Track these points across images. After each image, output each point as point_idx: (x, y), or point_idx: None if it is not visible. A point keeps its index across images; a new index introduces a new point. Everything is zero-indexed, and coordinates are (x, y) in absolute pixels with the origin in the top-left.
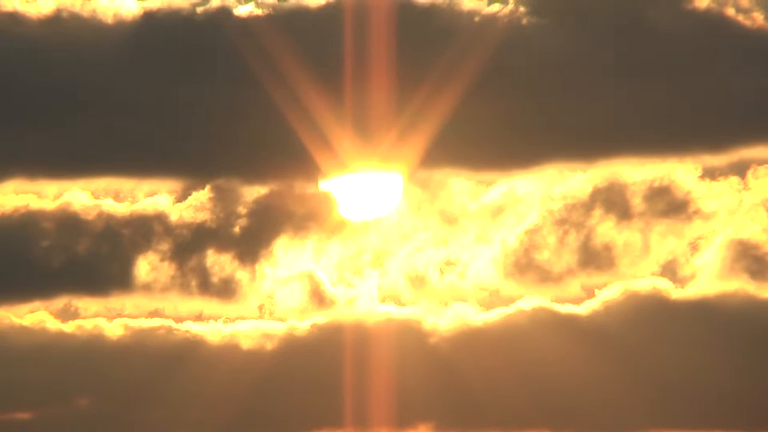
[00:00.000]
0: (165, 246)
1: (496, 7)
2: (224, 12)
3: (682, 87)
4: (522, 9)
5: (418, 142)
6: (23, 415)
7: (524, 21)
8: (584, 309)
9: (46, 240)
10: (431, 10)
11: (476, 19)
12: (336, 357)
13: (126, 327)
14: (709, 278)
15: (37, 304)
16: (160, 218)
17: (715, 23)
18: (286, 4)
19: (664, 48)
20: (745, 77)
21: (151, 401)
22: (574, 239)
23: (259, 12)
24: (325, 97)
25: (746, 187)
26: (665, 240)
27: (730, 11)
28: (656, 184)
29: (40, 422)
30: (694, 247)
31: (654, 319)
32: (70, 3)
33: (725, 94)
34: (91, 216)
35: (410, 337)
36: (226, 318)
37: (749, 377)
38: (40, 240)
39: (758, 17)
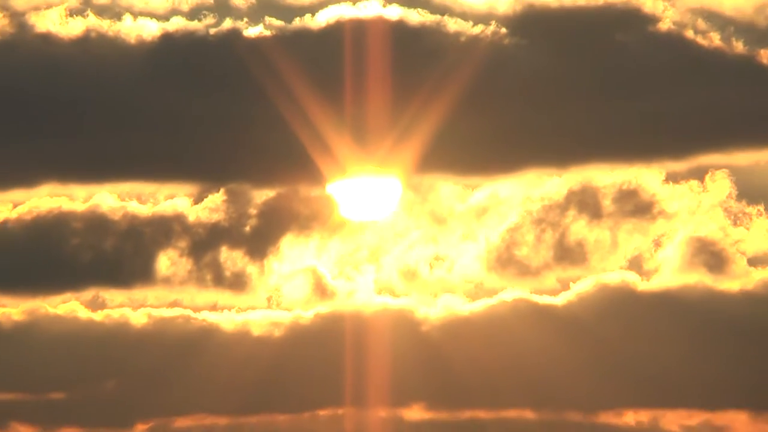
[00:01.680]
0: (183, 243)
1: (479, 29)
2: (235, 33)
3: (647, 100)
4: (503, 30)
5: (412, 150)
6: (57, 395)
7: (505, 41)
8: (560, 300)
9: (77, 238)
10: (422, 30)
11: (462, 39)
12: (337, 343)
13: (149, 316)
14: (671, 272)
15: (68, 295)
16: (179, 218)
17: (676, 44)
18: (291, 26)
19: (631, 66)
20: (703, 91)
21: (170, 383)
22: (550, 237)
23: (267, 33)
24: (328, 109)
25: (705, 189)
26: (632, 237)
27: (690, 33)
28: (624, 188)
29: (72, 402)
30: (658, 243)
31: (622, 309)
32: (98, 24)
33: (686, 107)
34: (117, 216)
35: (403, 325)
36: (238, 308)
37: (707, 360)
38: (71, 238)
39: (715, 38)
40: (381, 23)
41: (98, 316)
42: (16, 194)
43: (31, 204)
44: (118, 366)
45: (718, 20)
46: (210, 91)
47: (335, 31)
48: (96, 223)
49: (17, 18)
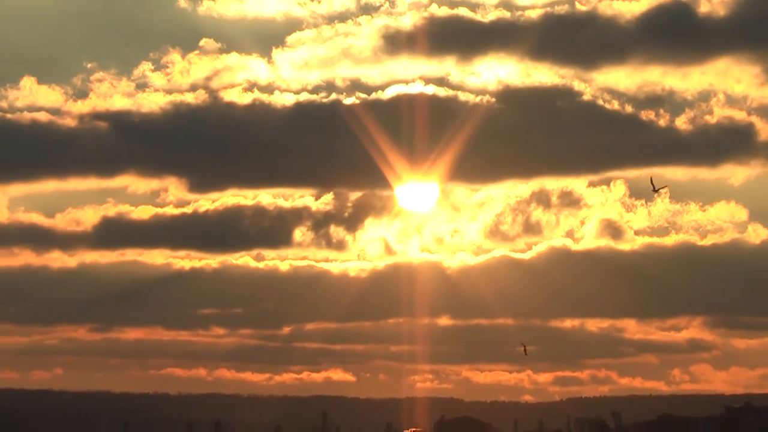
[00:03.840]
0: (309, 223)
1: (479, 98)
2: (338, 101)
3: (576, 140)
4: (493, 99)
5: (442, 168)
6: (237, 310)
7: (494, 106)
8: (527, 256)
9: (248, 220)
10: (446, 99)
11: (469, 104)
12: (398, 281)
13: (290, 264)
14: (591, 239)
15: (243, 252)
16: (306, 209)
17: (593, 107)
18: (371, 97)
19: (567, 120)
20: (608, 134)
21: (301, 300)
22: (521, 219)
23: (357, 101)
24: (392, 145)
25: (610, 191)
26: (568, 219)
27: (600, 101)
28: (564, 190)
29: (246, 314)
30: (583, 222)
31: (563, 262)
32: (260, 96)
33: (599, 144)
34: (271, 207)
35: (436, 270)
36: (341, 260)
37: (611, 290)
38: (245, 220)
39: (615, 103)
40: (423, 95)
41: (260, 265)
42: (213, 195)
43: (222, 200)
44: (273, 295)
45: (616, 93)
46: (323, 136)
47: (397, 100)
48: (259, 211)
49: (212, 93)
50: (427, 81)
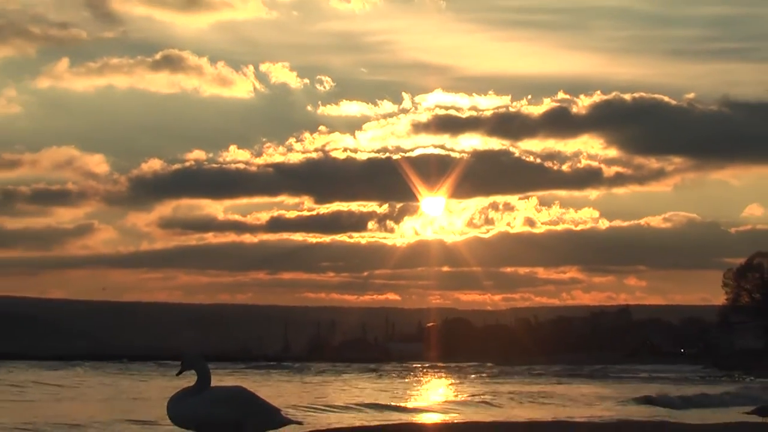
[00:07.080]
0: (375, 219)
1: (461, 156)
2: (389, 158)
3: (512, 177)
4: (469, 156)
5: (445, 191)
6: (341, 263)
7: (470, 160)
8: (487, 236)
9: (345, 218)
10: (444, 156)
11: (456, 159)
12: (421, 249)
13: (367, 240)
14: (518, 227)
15: (342, 234)
16: (374, 212)
17: (519, 161)
18: (407, 155)
19: (506, 167)
20: (528, 175)
21: (372, 260)
22: (483, 217)
23: (400, 157)
24: (419, 179)
25: (528, 201)
26: (507, 216)
27: (524, 157)
28: (506, 202)
29: (345, 266)
30: (515, 218)
31: (505, 239)
32: (347, 155)
33: (523, 179)
34: (356, 211)
35: (441, 244)
36: (392, 238)
37: (530, 253)
38: (343, 218)
39: (531, 158)
40: (433, 154)
41: (351, 240)
42: (327, 205)
43: (332, 208)
44: (358, 255)
45: (532, 153)
46: (382, 176)
47: (420, 157)
48: (350, 213)
49: (326, 153)
50: (435, 146)
